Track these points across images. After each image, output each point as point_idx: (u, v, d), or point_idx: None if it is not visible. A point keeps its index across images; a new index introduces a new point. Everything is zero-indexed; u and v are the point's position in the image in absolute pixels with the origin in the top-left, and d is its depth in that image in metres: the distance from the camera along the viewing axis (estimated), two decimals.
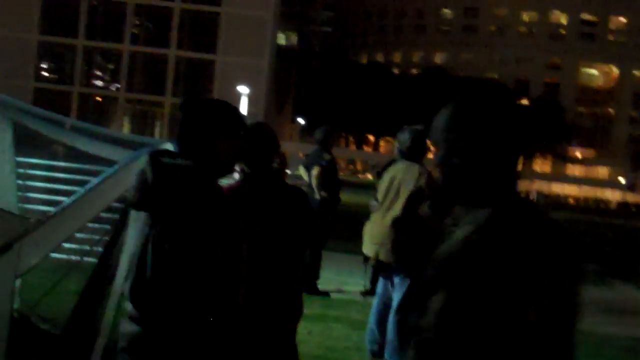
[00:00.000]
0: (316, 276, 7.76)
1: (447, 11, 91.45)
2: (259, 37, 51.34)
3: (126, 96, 54.55)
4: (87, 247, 4.35)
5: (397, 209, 5.03)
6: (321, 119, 41.67)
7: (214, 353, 2.28)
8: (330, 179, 7.70)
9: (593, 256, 16.00)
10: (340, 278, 8.64)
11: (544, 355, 1.45)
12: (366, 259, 5.30)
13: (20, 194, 4.86)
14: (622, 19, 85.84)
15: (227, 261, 2.25)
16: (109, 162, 4.03)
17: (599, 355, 6.41)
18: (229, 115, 2.42)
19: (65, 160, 5.28)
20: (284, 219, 3.09)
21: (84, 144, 4.45)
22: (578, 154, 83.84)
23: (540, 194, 34.84)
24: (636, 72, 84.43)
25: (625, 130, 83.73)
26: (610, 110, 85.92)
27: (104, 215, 4.04)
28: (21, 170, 4.90)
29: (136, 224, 3.38)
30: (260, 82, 50.47)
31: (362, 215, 5.88)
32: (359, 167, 75.63)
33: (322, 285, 7.84)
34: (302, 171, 8.02)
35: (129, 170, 3.34)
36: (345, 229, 10.22)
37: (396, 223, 5.02)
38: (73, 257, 4.62)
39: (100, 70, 57.92)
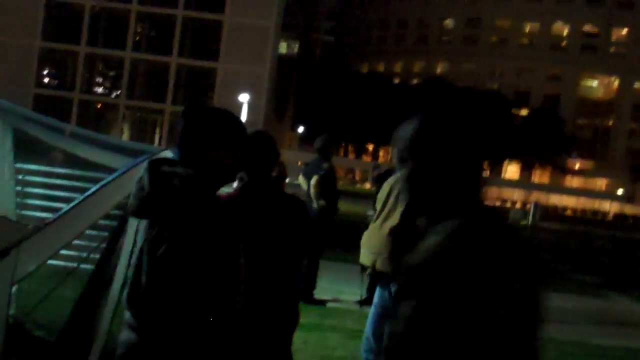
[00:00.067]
0: (313, 285, 7.77)
1: (448, 22, 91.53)
2: (260, 45, 51.47)
3: (126, 103, 54.63)
4: (84, 254, 4.34)
5: (395, 218, 5.04)
6: (321, 128, 41.69)
7: None
8: (328, 188, 7.72)
9: (589, 267, 16.01)
10: (336, 287, 8.63)
11: None
12: (363, 268, 5.32)
13: (19, 200, 4.86)
14: (624, 31, 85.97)
15: (224, 270, 2.26)
16: (109, 169, 4.02)
17: None
18: (231, 124, 2.40)
19: (64, 167, 5.28)
20: (282, 228, 3.10)
21: (83, 151, 4.44)
22: (577, 165, 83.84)
23: (537, 204, 34.73)
24: (637, 84, 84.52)
25: (624, 142, 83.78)
26: (610, 122, 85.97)
27: (102, 222, 4.04)
28: (20, 177, 4.91)
29: (138, 232, 3.38)
30: (261, 90, 50.59)
31: (359, 224, 5.89)
32: (357, 176, 75.55)
33: (318, 294, 7.85)
34: (301, 180, 8.03)
35: (128, 177, 3.33)
36: (342, 238, 10.23)
37: (393, 232, 5.03)
38: (70, 264, 4.62)
39: (102, 77, 58.05)
